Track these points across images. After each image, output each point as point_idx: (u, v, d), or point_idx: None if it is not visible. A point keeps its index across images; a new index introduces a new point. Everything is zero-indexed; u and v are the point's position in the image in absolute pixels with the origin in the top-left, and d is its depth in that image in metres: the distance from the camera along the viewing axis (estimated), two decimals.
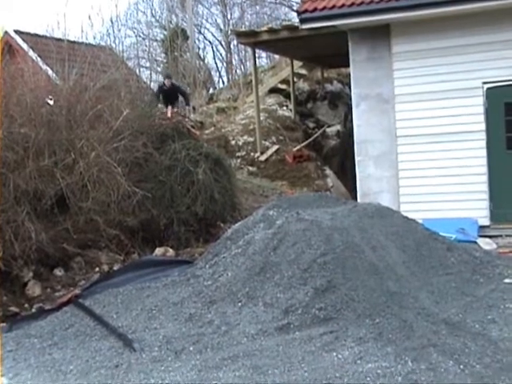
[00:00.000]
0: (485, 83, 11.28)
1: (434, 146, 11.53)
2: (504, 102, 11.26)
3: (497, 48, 11.05)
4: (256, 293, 7.38)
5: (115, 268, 9.58)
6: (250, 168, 16.45)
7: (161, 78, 20.56)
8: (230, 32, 29.44)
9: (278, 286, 7.33)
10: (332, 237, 7.82)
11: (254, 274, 7.63)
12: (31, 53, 17.73)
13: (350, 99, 12.58)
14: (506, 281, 8.19)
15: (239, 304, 7.31)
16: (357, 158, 12.27)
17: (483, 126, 11.36)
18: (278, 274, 7.48)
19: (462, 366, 5.55)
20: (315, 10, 11.82)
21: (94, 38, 20.28)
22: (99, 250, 9.99)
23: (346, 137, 16.42)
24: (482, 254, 9.25)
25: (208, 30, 33.44)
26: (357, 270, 7.36)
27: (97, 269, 9.64)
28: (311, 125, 18.91)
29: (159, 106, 13.88)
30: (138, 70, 22.92)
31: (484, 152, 11.36)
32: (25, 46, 18.81)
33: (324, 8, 11.75)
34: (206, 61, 31.89)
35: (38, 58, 16.90)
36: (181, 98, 14.76)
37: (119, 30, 27.51)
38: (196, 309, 7.43)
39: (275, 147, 16.96)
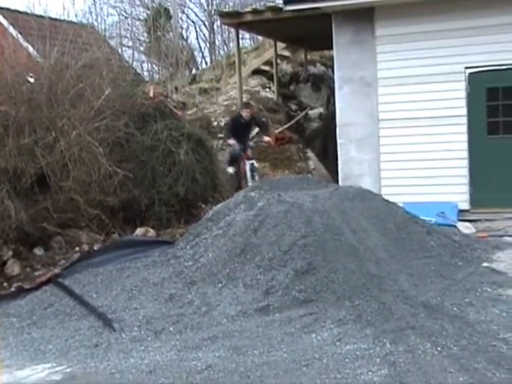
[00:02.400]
0: (467, 68, 11.31)
1: (416, 130, 11.56)
2: (486, 88, 11.31)
3: (479, 33, 11.06)
4: (236, 274, 7.40)
5: (95, 248, 9.54)
6: None
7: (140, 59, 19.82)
8: (213, 12, 29.22)
9: (259, 267, 7.36)
10: (313, 219, 7.85)
11: (234, 255, 7.65)
12: (11, 29, 17.51)
13: (333, 82, 12.58)
14: (484, 264, 8.27)
15: (219, 285, 7.33)
16: (339, 141, 12.28)
17: (465, 111, 11.41)
18: (259, 255, 7.50)
19: (439, 348, 5.61)
20: None
21: (76, 16, 20.05)
22: (79, 229, 9.94)
23: (329, 119, 16.44)
24: (461, 238, 9.33)
25: (191, 9, 33.16)
26: (337, 252, 7.40)
27: (77, 248, 9.60)
28: (294, 107, 18.88)
29: (231, 142, 12.46)
30: (120, 49, 22.71)
31: (465, 137, 11.42)
32: (5, 22, 18.56)
33: None
34: (188, 41, 31.69)
35: (19, 35, 16.69)
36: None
37: (101, 8, 27.29)
38: (176, 289, 7.43)
39: (257, 129, 16.92)
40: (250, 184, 11.31)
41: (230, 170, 12.66)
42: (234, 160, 12.60)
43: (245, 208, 8.60)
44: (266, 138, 13.40)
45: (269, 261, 7.38)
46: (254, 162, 12.53)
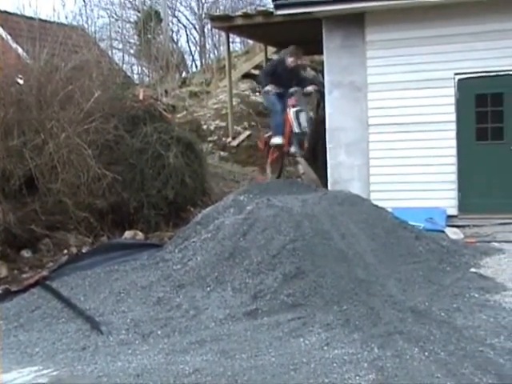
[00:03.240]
0: (456, 74, 11.35)
1: (405, 135, 11.59)
2: (475, 94, 11.36)
3: (469, 40, 11.11)
4: (225, 278, 7.40)
5: (84, 250, 9.52)
6: (222, 153, 16.42)
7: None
8: (204, 16, 29.25)
9: (247, 271, 7.35)
10: (302, 223, 7.86)
11: (223, 258, 7.64)
12: (1, 30, 17.43)
13: (323, 86, 12.59)
14: (472, 270, 8.30)
15: (208, 288, 7.32)
16: (328, 146, 12.29)
17: (454, 117, 11.44)
18: (248, 259, 7.50)
19: (426, 353, 5.62)
20: None
21: (66, 18, 19.99)
22: (68, 232, 9.91)
23: (318, 124, 16.42)
24: (450, 244, 9.35)
25: (182, 13, 33.20)
26: (326, 256, 7.41)
27: (65, 251, 9.57)
28: None
29: (268, 89, 10.72)
30: (110, 52, 22.67)
31: (454, 142, 11.46)
32: None
33: None
34: (179, 44, 31.69)
35: (8, 36, 16.64)
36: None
37: (92, 11, 27.24)
38: (164, 292, 7.42)
39: (247, 133, 16.94)
40: (296, 131, 10.46)
41: (278, 140, 11.17)
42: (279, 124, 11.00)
43: (234, 212, 8.60)
44: (309, 88, 11.30)
45: (257, 265, 7.38)
46: (299, 108, 10.84)
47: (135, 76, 25.11)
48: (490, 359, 5.57)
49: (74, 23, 18.91)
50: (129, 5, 30.35)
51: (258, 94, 18.97)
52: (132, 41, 28.14)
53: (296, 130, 10.56)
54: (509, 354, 5.72)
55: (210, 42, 29.49)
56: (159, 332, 6.59)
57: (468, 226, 11.09)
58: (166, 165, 10.94)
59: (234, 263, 7.53)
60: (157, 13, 26.65)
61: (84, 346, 6.41)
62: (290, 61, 10.49)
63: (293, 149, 11.38)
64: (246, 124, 17.43)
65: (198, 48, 31.45)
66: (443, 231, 10.59)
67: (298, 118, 10.59)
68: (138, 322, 6.82)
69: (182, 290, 7.41)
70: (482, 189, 11.35)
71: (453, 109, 11.43)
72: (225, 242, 7.84)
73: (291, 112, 10.74)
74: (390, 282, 7.42)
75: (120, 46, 26.81)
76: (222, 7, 29.73)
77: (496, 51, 11.01)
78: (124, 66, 21.74)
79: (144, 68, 25.55)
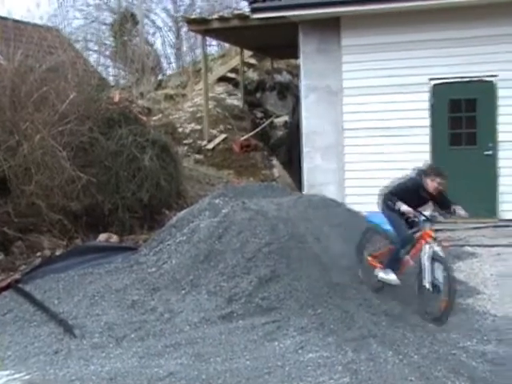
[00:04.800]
0: (431, 79, 11.46)
1: (380, 139, 11.66)
2: (449, 99, 11.47)
3: (444, 45, 11.22)
4: (200, 281, 7.38)
5: (57, 253, 9.42)
6: (197, 156, 16.38)
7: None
8: (180, 19, 29.17)
9: (222, 274, 7.34)
10: (277, 227, 7.87)
11: (198, 261, 7.63)
12: None
13: (299, 90, 12.63)
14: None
15: (183, 292, 7.30)
16: (304, 150, 12.33)
17: (428, 122, 11.54)
18: (223, 262, 7.49)
19: (400, 357, 5.66)
20: None
21: (41, 19, 19.82)
22: (41, 234, 9.81)
23: (294, 128, 16.49)
24: None
25: (158, 15, 33.06)
26: (301, 260, 7.43)
27: (38, 253, 9.46)
28: (259, 115, 18.93)
29: (404, 208, 7.22)
30: (85, 53, 22.53)
31: (428, 147, 11.55)
32: None
33: None
34: (155, 46, 31.57)
35: None
36: None
37: (67, 12, 27.01)
38: (139, 296, 7.38)
39: (223, 136, 16.92)
40: (426, 286, 7.00)
41: (390, 276, 7.34)
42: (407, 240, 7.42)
43: (209, 215, 8.58)
44: (462, 213, 7.79)
45: (232, 268, 7.37)
46: (440, 254, 7.18)
47: (111, 78, 24.97)
48: (462, 362, 5.63)
49: (49, 24, 18.80)
50: (104, 6, 30.18)
51: (233, 97, 18.99)
52: (107, 43, 28.00)
53: (427, 285, 7.01)
54: (481, 357, 5.78)
55: (186, 44, 29.43)
56: (133, 335, 6.55)
57: (441, 230, 11.16)
58: (141, 167, 10.90)
59: (209, 266, 7.52)
60: (132, 15, 26.53)
61: (57, 349, 6.36)
62: (433, 187, 7.43)
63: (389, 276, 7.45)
64: (221, 127, 17.40)
65: (174, 50, 31.36)
66: None
67: (433, 269, 7.06)
68: (111, 326, 6.78)
69: (156, 294, 7.38)
70: (455, 193, 11.41)
71: (427, 114, 11.53)
72: (200, 245, 7.83)
73: (426, 256, 7.13)
74: (365, 286, 7.45)
75: (95, 48, 26.66)
76: (198, 10, 29.67)
77: (470, 57, 11.14)
78: (99, 67, 21.56)
79: (119, 70, 25.43)
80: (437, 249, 7.16)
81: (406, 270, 7.35)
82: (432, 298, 6.94)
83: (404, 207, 7.38)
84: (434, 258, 7.06)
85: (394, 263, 7.35)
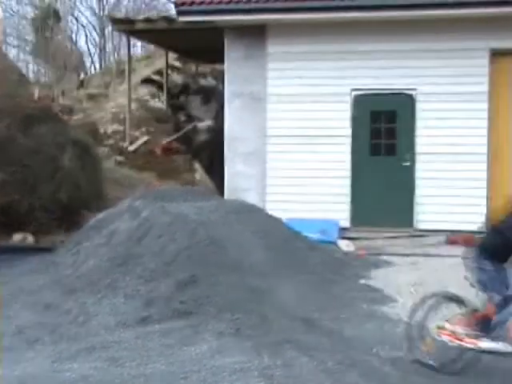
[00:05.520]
0: (353, 90, 11.66)
1: (302, 147, 11.78)
2: (370, 110, 11.69)
3: (366, 57, 11.44)
4: (117, 284, 7.28)
5: None
6: (119, 157, 16.17)
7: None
8: (105, 17, 28.78)
9: (140, 277, 7.26)
10: (197, 231, 7.84)
11: (116, 264, 7.52)
12: None
13: (223, 96, 12.64)
14: (362, 281, 8.52)
15: (99, 295, 7.18)
16: (226, 155, 12.33)
17: (349, 131, 11.74)
18: (141, 265, 7.41)
19: (315, 363, 5.71)
20: (193, 3, 11.79)
21: None
22: None
23: (217, 133, 16.50)
24: (341, 255, 9.59)
25: (82, 13, 32.56)
26: (220, 265, 7.42)
27: None
28: (183, 118, 18.85)
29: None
30: (4, 48, 21.95)
31: (349, 156, 11.74)
32: None
33: (202, 2, 11.75)
34: (78, 44, 31.04)
35: None
36: None
37: None
38: (54, 298, 7.22)
39: (145, 138, 16.78)
40: None
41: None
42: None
43: (129, 217, 8.48)
44: None
45: (151, 272, 7.30)
46: None
47: (31, 74, 24.42)
48: (375, 368, 5.73)
49: None
50: (26, 1, 29.47)
51: (157, 99, 18.85)
52: (28, 38, 27.33)
53: None
54: (393, 363, 5.90)
55: (110, 44, 29.05)
56: (46, 338, 6.40)
57: (359, 238, 11.38)
58: (60, 167, 10.70)
59: (127, 269, 7.42)
60: (56, 11, 25.99)
61: None
62: None
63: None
64: (144, 129, 17.25)
65: (98, 49, 30.91)
66: (335, 243, 10.81)
67: None
68: (24, 328, 6.59)
69: (72, 296, 7.23)
70: (374, 202, 11.68)
71: (348, 123, 11.72)
72: (118, 248, 7.73)
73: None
74: (283, 292, 7.51)
75: (15, 43, 26.00)
76: (123, 9, 29.36)
77: (389, 70, 11.41)
78: (19, 63, 21.08)
79: (40, 67, 24.88)
80: None
81: None
82: None
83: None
84: None
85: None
